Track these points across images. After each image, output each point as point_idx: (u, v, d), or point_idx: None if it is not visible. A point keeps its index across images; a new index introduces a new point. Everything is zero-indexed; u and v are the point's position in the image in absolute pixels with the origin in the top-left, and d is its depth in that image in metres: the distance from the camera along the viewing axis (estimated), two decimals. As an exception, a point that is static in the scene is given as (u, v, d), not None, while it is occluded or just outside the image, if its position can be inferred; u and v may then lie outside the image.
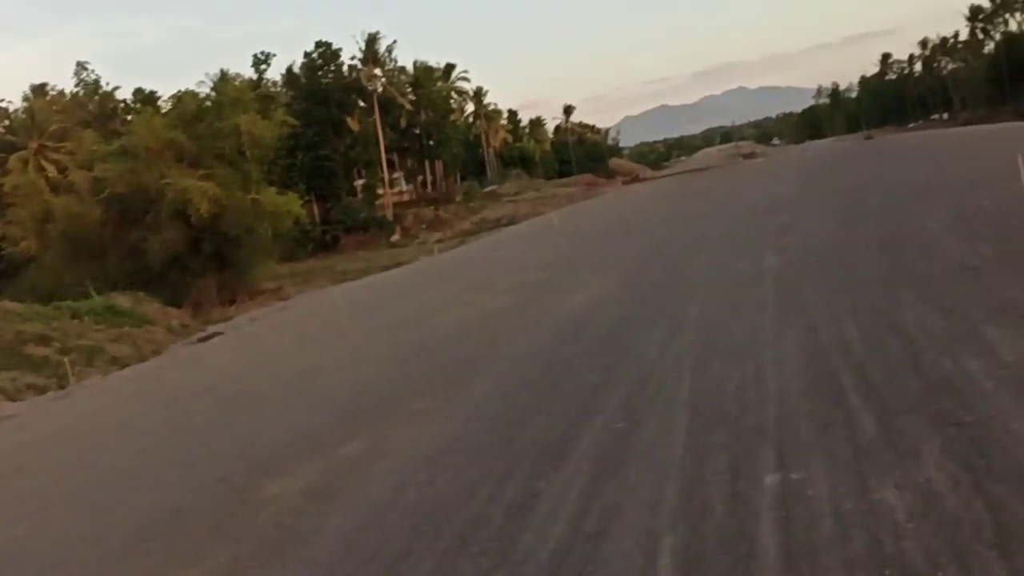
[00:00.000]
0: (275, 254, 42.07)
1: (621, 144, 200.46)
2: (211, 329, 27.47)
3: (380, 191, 75.31)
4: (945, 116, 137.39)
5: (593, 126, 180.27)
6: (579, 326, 12.10)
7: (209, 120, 38.85)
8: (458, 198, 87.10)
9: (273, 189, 39.95)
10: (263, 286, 39.10)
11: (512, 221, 65.28)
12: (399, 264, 42.38)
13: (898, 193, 21.87)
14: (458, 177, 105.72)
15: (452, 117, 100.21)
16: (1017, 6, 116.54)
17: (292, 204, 39.31)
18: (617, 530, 5.15)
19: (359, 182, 76.78)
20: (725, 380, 7.83)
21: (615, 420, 7.37)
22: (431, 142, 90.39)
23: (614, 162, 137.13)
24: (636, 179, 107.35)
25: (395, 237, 66.85)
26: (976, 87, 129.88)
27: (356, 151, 71.85)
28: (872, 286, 10.61)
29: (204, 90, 44.07)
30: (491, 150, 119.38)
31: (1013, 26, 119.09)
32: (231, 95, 40.81)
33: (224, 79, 46.60)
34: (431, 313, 16.77)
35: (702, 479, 5.66)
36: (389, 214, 72.38)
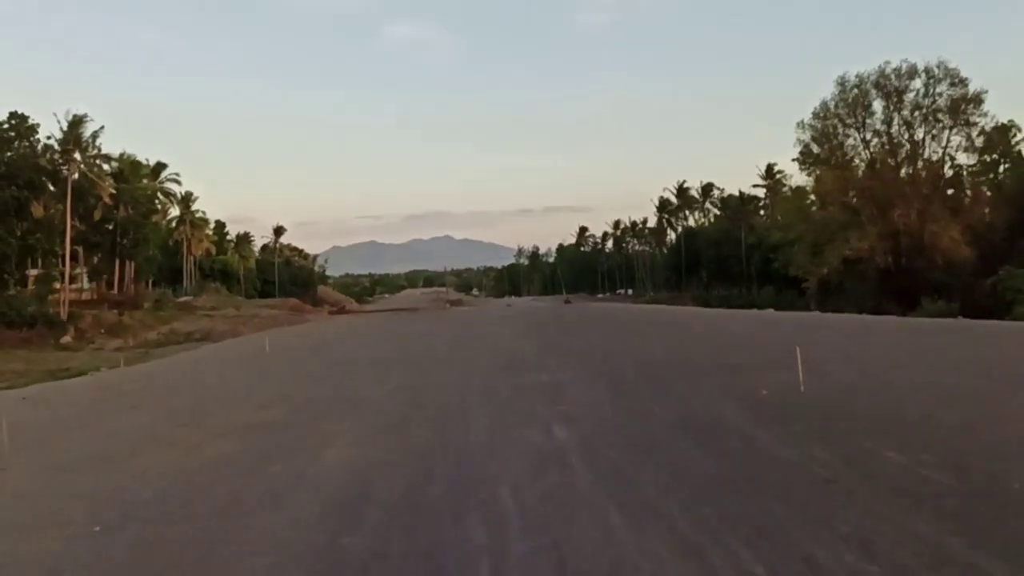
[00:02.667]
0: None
1: (328, 272, 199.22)
2: None
3: (57, 286, 67.13)
4: (630, 292, 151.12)
5: (302, 250, 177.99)
6: (354, 502, 8.95)
7: None
8: (147, 304, 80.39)
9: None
10: None
11: (207, 337, 61.12)
12: (67, 371, 35.96)
13: (652, 368, 21.18)
14: (150, 282, 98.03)
15: (155, 218, 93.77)
16: (696, 206, 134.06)
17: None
18: None
19: (33, 271, 68.27)
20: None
21: None
22: (126, 241, 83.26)
23: (322, 290, 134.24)
24: (343, 310, 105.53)
25: (66, 339, 59.32)
26: (658, 270, 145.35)
27: (37, 238, 63.81)
28: (724, 490, 8.71)
29: None
30: (192, 259, 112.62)
31: (692, 222, 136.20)
32: None
33: None
34: (128, 452, 12.63)
35: None
36: (64, 312, 64.19)
